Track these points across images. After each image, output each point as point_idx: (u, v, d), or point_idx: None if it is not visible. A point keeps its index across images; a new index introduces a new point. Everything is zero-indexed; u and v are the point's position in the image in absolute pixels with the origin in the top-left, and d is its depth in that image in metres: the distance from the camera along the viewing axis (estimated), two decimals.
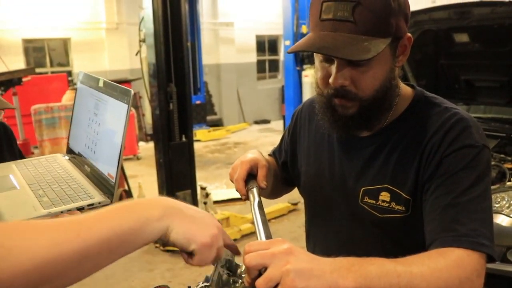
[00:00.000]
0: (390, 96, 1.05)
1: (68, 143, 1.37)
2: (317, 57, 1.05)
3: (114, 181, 1.14)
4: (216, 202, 5.77)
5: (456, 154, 0.98)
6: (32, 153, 5.81)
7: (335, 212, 1.18)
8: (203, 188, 4.87)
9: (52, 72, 10.06)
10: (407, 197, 1.03)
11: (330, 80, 1.01)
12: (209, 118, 11.83)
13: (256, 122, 13.05)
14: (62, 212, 1.07)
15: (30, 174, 1.22)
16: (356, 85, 1.00)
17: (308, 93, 7.41)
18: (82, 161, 1.23)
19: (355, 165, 1.12)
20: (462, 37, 4.11)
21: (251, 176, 1.14)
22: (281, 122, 10.05)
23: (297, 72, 7.53)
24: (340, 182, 1.15)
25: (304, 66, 7.55)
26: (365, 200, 1.09)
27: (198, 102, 10.94)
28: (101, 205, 1.15)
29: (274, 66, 14.10)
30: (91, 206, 1.11)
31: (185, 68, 4.62)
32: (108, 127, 1.14)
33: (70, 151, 1.33)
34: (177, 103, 4.51)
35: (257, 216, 0.97)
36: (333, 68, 1.00)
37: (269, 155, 1.44)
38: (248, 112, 12.91)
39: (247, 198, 1.10)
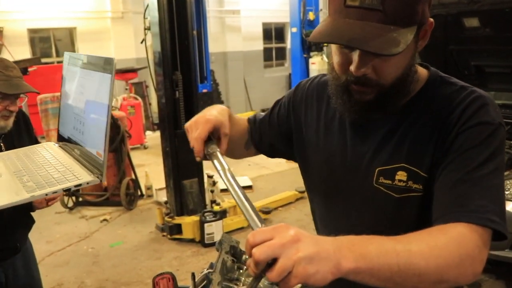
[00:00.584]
0: (409, 82, 1.02)
1: (58, 131, 1.36)
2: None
3: (102, 159, 1.13)
4: (223, 190, 5.77)
5: (472, 130, 0.95)
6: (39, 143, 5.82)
7: (346, 195, 1.15)
8: (210, 177, 4.85)
9: (58, 62, 10.06)
10: (425, 175, 1.01)
11: (352, 68, 0.96)
12: None
13: (263, 110, 12.76)
14: (46, 194, 1.07)
15: (16, 163, 1.21)
16: (377, 73, 0.97)
17: None
18: (72, 146, 1.22)
19: (369, 147, 1.09)
20: (472, 22, 4.03)
21: (210, 139, 1.08)
22: None
23: (304, 60, 7.45)
24: (353, 166, 1.12)
25: (311, 54, 7.47)
26: (380, 181, 1.06)
27: (204, 90, 10.86)
28: (89, 184, 1.15)
29: (281, 53, 14.01)
30: (78, 187, 1.12)
31: (191, 56, 4.58)
32: (94, 101, 1.13)
33: (60, 138, 1.32)
34: (183, 91, 4.48)
35: (237, 191, 0.95)
36: (355, 56, 0.95)
37: (248, 120, 1.38)
38: (255, 100, 12.86)
39: (204, 159, 1.08)
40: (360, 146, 1.11)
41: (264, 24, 13.18)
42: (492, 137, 0.95)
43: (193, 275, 0.89)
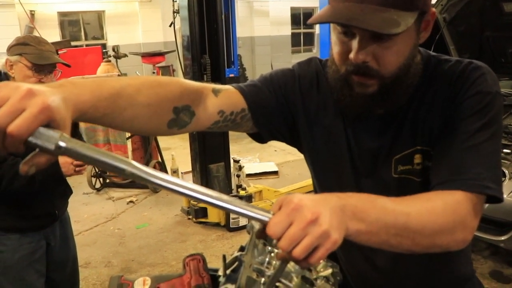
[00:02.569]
0: (412, 73, 0.99)
1: None
2: (335, 30, 0.97)
3: None
4: (248, 175, 5.77)
5: (471, 100, 0.97)
6: None
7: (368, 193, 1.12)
8: (236, 161, 4.85)
9: (87, 45, 10.18)
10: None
11: (351, 55, 0.93)
12: None
13: None
14: None
15: None
16: (378, 62, 0.94)
17: None
18: None
19: (381, 141, 1.06)
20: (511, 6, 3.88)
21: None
22: None
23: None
24: (366, 165, 1.09)
25: None
26: (399, 169, 1.05)
27: (231, 75, 10.84)
28: None
29: (309, 39, 13.86)
30: None
31: (219, 40, 4.56)
32: None
33: None
34: (211, 75, 4.46)
35: (192, 186, 0.71)
36: (354, 43, 0.92)
37: (239, 87, 1.11)
38: None
39: (29, 172, 0.66)
40: (370, 141, 1.07)
41: (292, 9, 13.04)
42: (490, 106, 0.97)
43: (224, 256, 0.88)
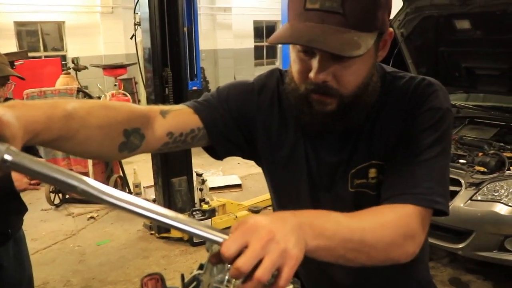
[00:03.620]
0: (371, 92, 1.00)
1: None
2: (294, 48, 0.97)
3: None
4: (212, 188, 5.73)
5: (423, 115, 1.00)
6: None
7: (324, 208, 1.13)
8: (199, 175, 4.82)
9: (46, 57, 9.94)
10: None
11: (311, 75, 0.93)
12: None
13: None
14: None
15: None
16: (338, 81, 0.94)
17: None
18: None
19: (338, 156, 1.08)
20: (463, 24, 4.05)
21: None
22: None
23: None
24: (324, 180, 1.10)
25: None
26: (355, 183, 1.06)
27: (194, 88, 10.81)
28: None
29: (271, 52, 14.00)
30: None
31: (181, 53, 4.54)
32: None
33: None
34: (173, 88, 4.43)
35: (145, 206, 0.67)
36: (315, 62, 0.93)
37: (192, 105, 1.10)
38: None
39: None
40: (328, 156, 1.09)
41: (255, 22, 13.16)
42: (441, 121, 0.99)
43: (182, 276, 0.86)
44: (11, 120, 0.66)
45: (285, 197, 1.20)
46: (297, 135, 1.10)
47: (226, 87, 1.16)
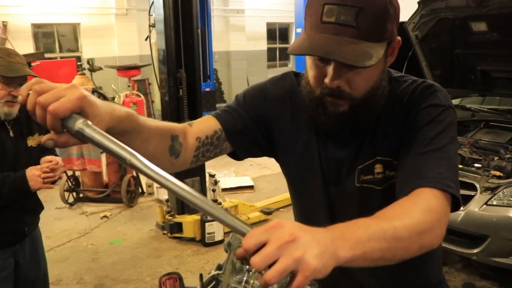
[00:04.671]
0: (380, 95, 1.08)
1: None
2: (310, 56, 1.06)
3: None
4: (224, 189, 5.74)
5: (422, 112, 1.06)
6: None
7: (330, 204, 1.20)
8: (211, 176, 4.83)
9: (62, 58, 10.04)
10: (397, 162, 1.09)
11: (327, 80, 1.01)
12: (218, 105, 11.75)
13: None
14: None
15: None
16: (350, 86, 1.03)
17: None
18: None
19: (345, 152, 1.16)
20: (479, 26, 4.00)
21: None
22: None
23: None
24: (333, 174, 1.18)
25: None
26: (361, 179, 1.14)
27: (207, 89, 10.86)
28: None
29: (284, 54, 13.98)
30: None
31: (195, 54, 4.56)
32: None
33: None
34: (186, 89, 4.45)
35: (183, 186, 0.73)
36: (330, 69, 1.01)
37: (214, 115, 1.20)
38: None
39: (58, 146, 0.79)
40: (337, 153, 1.17)
41: (268, 24, 13.16)
42: (442, 116, 1.05)
43: (201, 276, 0.87)
44: (98, 102, 0.79)
45: (301, 192, 1.28)
46: (310, 134, 1.19)
47: (242, 92, 1.26)
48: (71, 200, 5.61)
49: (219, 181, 4.91)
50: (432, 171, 0.97)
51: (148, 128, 0.98)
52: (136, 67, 8.91)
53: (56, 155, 2.35)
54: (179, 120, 4.47)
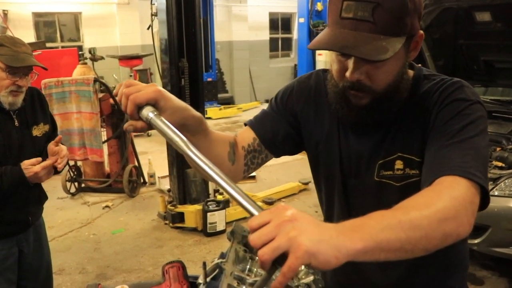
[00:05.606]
0: (401, 88, 1.10)
1: None
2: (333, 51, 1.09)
3: None
4: None
5: (449, 106, 1.04)
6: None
7: (350, 194, 1.22)
8: None
9: (63, 47, 10.01)
10: (419, 160, 1.08)
11: (347, 74, 1.05)
12: (220, 96, 11.75)
13: (268, 101, 12.86)
14: None
15: None
16: (371, 79, 1.05)
17: None
18: None
19: (367, 145, 1.17)
20: (483, 16, 3.98)
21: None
22: None
23: (311, 51, 7.38)
24: (354, 165, 1.19)
25: None
26: (381, 174, 1.14)
27: (209, 79, 10.85)
28: None
29: (287, 44, 13.92)
30: None
31: (197, 44, 4.53)
32: None
33: None
34: (188, 79, 4.44)
35: (218, 172, 0.82)
36: (350, 63, 1.04)
37: (245, 124, 1.32)
38: (260, 91, 12.80)
39: (136, 130, 0.94)
40: (358, 146, 1.19)
41: (270, 14, 13.08)
42: (469, 109, 1.03)
43: (204, 264, 0.87)
44: (173, 99, 0.95)
45: (322, 184, 1.31)
46: (332, 127, 1.23)
47: (275, 95, 1.35)
48: (73, 190, 5.63)
49: None
50: (456, 160, 0.95)
51: (213, 133, 1.13)
52: (138, 57, 8.88)
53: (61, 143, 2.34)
54: None
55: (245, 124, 1.31)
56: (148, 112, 0.89)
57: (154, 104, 0.91)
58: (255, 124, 1.28)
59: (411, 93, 1.13)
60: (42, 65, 2.20)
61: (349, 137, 1.20)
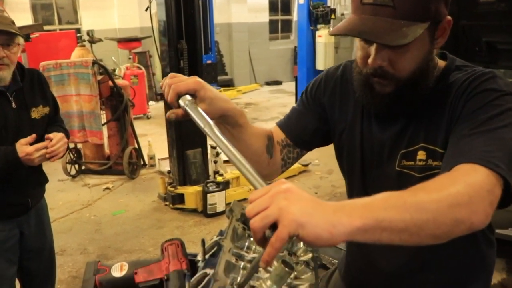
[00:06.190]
0: (427, 77, 1.07)
1: None
2: (358, 38, 1.09)
3: None
4: (226, 161, 5.75)
5: (478, 96, 0.99)
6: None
7: (371, 183, 1.20)
8: (213, 147, 4.83)
9: (61, 30, 9.93)
10: (442, 151, 1.04)
11: (369, 60, 1.04)
12: (220, 78, 11.69)
13: (268, 83, 12.89)
14: None
15: None
16: (393, 66, 1.03)
17: (321, 53, 7.21)
18: None
19: (390, 134, 1.15)
20: None
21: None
22: (292, 84, 9.89)
23: (311, 32, 7.31)
24: (377, 153, 1.18)
25: (318, 26, 7.32)
26: (402, 164, 1.11)
27: (209, 61, 10.78)
28: None
29: (286, 26, 13.80)
30: None
31: (196, 26, 4.49)
32: None
33: None
34: (188, 61, 4.41)
35: (233, 150, 0.89)
36: (372, 49, 1.03)
37: (277, 124, 1.35)
38: (260, 73, 12.74)
39: (177, 118, 1.03)
40: (381, 134, 1.17)
41: None
42: (500, 100, 0.97)
43: (203, 241, 0.87)
44: (213, 91, 1.03)
45: (346, 175, 1.30)
46: (356, 115, 1.22)
47: (305, 87, 1.36)
48: (73, 172, 5.64)
49: (220, 152, 4.89)
50: (478, 149, 0.89)
51: (252, 127, 1.18)
52: (137, 39, 8.82)
53: (63, 128, 2.32)
54: None
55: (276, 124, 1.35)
56: (185, 101, 0.98)
57: (194, 94, 1.00)
58: (283, 121, 1.33)
59: (439, 82, 1.10)
60: (20, 33, 2.07)
61: (372, 125, 1.19)
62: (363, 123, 1.20)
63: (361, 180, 1.21)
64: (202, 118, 0.95)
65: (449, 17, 1.04)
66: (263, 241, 0.71)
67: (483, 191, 0.81)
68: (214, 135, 0.91)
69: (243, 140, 1.16)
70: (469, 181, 0.82)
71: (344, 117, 1.25)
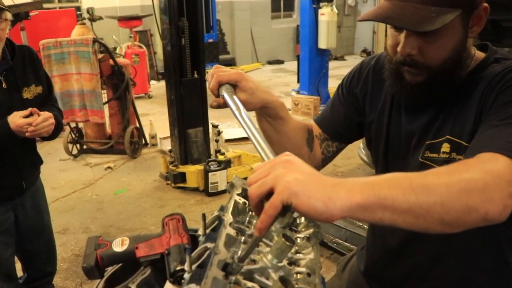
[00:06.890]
0: (459, 68, 1.04)
1: None
2: (389, 26, 1.06)
3: None
4: (227, 140, 5.75)
5: (507, 91, 0.95)
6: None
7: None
8: (215, 126, 4.82)
9: (60, 8, 9.83)
10: (467, 144, 1.00)
11: (398, 48, 1.02)
12: (221, 57, 11.62)
13: (270, 62, 12.82)
14: None
15: None
16: (423, 55, 1.01)
17: (324, 32, 7.13)
18: None
19: (418, 125, 1.13)
20: None
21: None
22: (294, 63, 9.81)
23: (314, 10, 7.21)
24: (404, 144, 1.16)
25: (321, 4, 7.22)
26: (425, 155, 1.09)
27: (210, 40, 10.71)
28: None
29: (289, 5, 13.65)
30: None
31: (197, 3, 4.43)
32: None
33: None
34: (189, 39, 4.36)
35: (253, 130, 0.95)
36: (402, 37, 1.01)
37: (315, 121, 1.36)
38: (262, 52, 12.66)
39: (217, 107, 1.10)
40: (410, 124, 1.15)
41: None
42: None
43: (203, 216, 0.87)
44: (254, 82, 1.10)
45: (373, 162, 1.32)
46: (385, 105, 1.21)
47: (342, 79, 1.36)
48: (75, 152, 5.64)
49: (222, 131, 4.89)
50: (502, 140, 0.83)
51: (293, 120, 1.23)
52: (138, 18, 8.73)
53: (57, 107, 2.28)
54: (182, 70, 4.42)
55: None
56: (223, 90, 1.05)
57: (235, 84, 1.07)
58: (320, 115, 1.35)
59: (473, 74, 1.05)
60: (6, 7, 1.96)
61: (401, 115, 1.17)
62: (392, 113, 1.19)
63: (384, 171, 1.11)
64: (234, 103, 1.02)
65: (485, 4, 0.99)
66: (259, 209, 0.70)
67: (502, 180, 0.75)
68: (241, 118, 0.98)
69: (284, 132, 1.21)
70: (487, 168, 0.77)
71: (374, 107, 1.24)
